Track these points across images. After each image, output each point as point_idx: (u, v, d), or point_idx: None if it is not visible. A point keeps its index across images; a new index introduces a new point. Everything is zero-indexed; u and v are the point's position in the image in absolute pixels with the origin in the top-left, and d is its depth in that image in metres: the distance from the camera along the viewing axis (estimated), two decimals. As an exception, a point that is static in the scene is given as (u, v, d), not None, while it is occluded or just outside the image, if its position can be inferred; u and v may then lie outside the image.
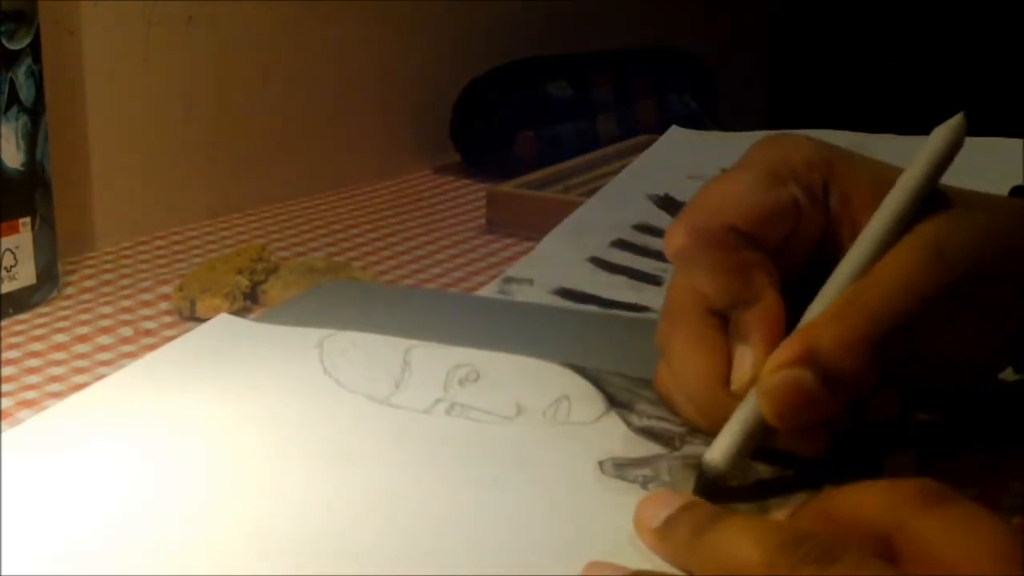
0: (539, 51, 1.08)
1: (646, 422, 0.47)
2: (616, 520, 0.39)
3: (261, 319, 0.59)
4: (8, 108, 0.63)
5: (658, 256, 0.71)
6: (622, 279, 0.68)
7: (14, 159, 0.63)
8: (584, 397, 0.49)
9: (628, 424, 0.47)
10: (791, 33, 1.79)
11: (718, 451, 0.41)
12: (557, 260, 0.70)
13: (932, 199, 0.44)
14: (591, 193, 0.86)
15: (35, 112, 0.64)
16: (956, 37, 1.67)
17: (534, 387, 0.49)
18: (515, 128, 0.99)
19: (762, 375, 0.41)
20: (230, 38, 0.86)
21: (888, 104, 1.67)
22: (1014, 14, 1.61)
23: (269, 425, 0.46)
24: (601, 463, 0.43)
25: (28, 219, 0.65)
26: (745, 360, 0.42)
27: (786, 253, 0.44)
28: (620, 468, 0.43)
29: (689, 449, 0.45)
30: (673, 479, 0.42)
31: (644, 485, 0.42)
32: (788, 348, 0.40)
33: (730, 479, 0.41)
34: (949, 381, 0.46)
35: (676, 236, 0.44)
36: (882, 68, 1.71)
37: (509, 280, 0.67)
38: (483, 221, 0.84)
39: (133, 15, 0.79)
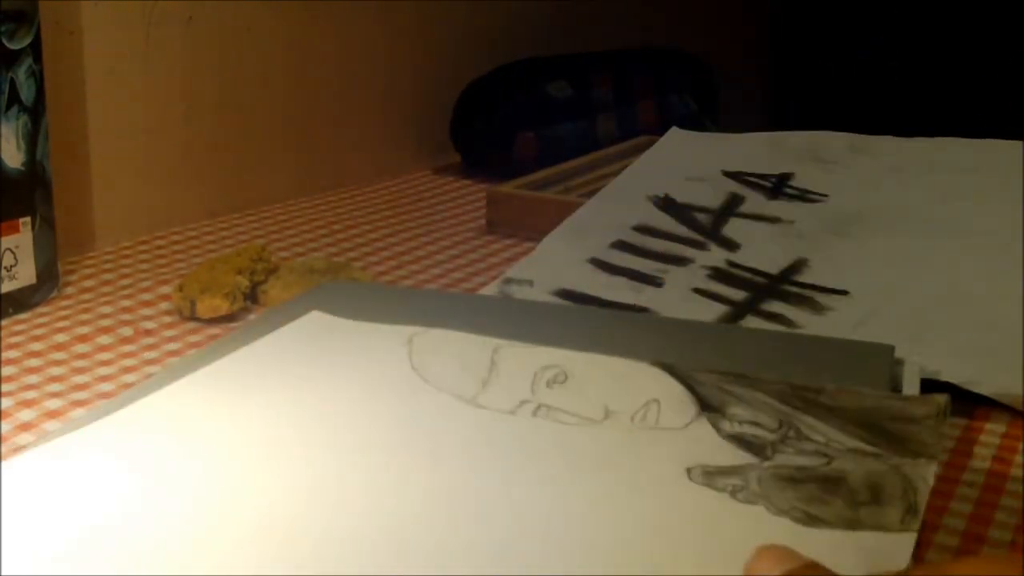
0: (539, 51, 1.08)
1: (737, 428, 0.46)
2: (704, 528, 0.39)
3: (266, 319, 0.59)
4: (8, 108, 0.63)
5: (657, 257, 0.71)
6: (622, 280, 0.68)
7: (14, 159, 0.63)
8: (674, 400, 0.48)
9: (718, 430, 0.45)
10: (791, 33, 1.79)
11: None
12: (557, 261, 0.71)
13: None
14: (591, 194, 0.86)
15: (35, 112, 0.64)
16: (956, 37, 1.67)
17: (623, 389, 0.48)
18: (515, 128, 0.99)
19: None
20: (230, 38, 0.86)
21: (888, 104, 1.67)
22: (1013, 14, 1.61)
23: (355, 422, 0.47)
24: (689, 470, 0.43)
25: (28, 219, 0.65)
26: None
27: None
28: (709, 476, 0.42)
29: (781, 459, 0.44)
30: (763, 489, 0.42)
31: (733, 494, 0.41)
32: None
33: None
34: None
35: None
36: (882, 68, 1.71)
37: (509, 281, 0.67)
38: (483, 221, 0.84)
39: (133, 15, 0.79)
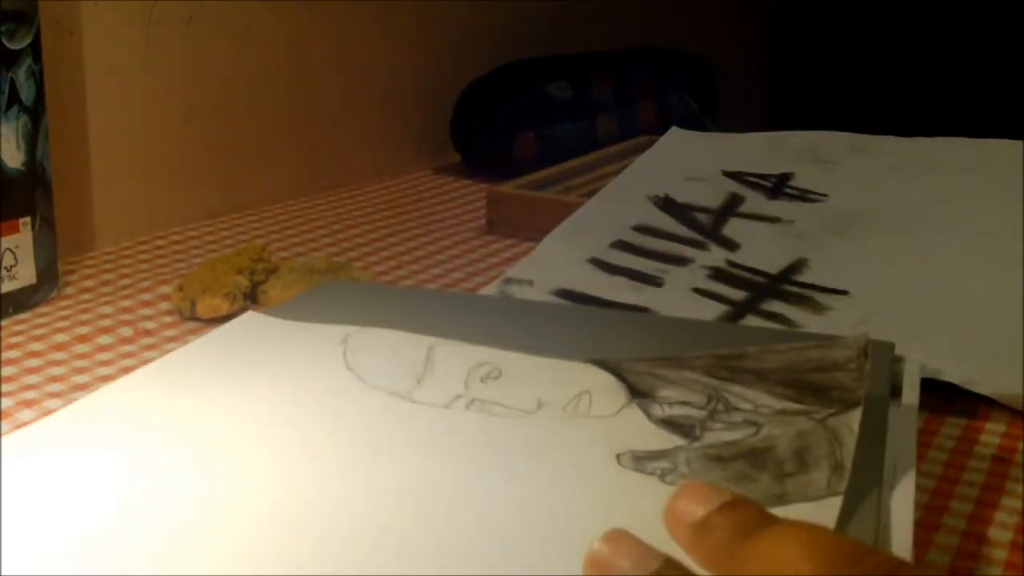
0: (539, 51, 1.08)
1: (667, 411, 0.47)
2: (631, 512, 0.39)
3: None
4: (8, 108, 0.63)
5: (658, 257, 0.71)
6: (622, 280, 0.68)
7: (14, 159, 0.63)
8: (606, 390, 0.49)
9: (649, 415, 0.46)
10: (791, 33, 1.79)
11: None
12: (557, 261, 0.71)
13: None
14: (591, 193, 0.86)
15: (35, 112, 0.64)
16: (956, 37, 1.67)
17: (556, 383, 0.49)
18: (515, 128, 0.99)
19: None
20: (230, 38, 0.86)
21: (888, 104, 1.67)
22: (1013, 14, 1.61)
23: (290, 419, 0.47)
24: (619, 456, 0.43)
25: (28, 219, 0.65)
26: None
27: None
28: (638, 460, 0.43)
29: (709, 437, 0.44)
30: (692, 470, 0.42)
31: (662, 477, 0.42)
32: None
33: None
34: None
35: None
36: (882, 68, 1.71)
37: (509, 281, 0.67)
38: (483, 221, 0.84)
39: (133, 15, 0.79)
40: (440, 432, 0.46)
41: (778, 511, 0.35)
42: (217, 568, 0.37)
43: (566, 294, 0.66)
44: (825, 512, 0.39)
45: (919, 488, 0.44)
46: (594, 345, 0.53)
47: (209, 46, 0.84)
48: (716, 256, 0.71)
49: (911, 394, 0.50)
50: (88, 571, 0.37)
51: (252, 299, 0.66)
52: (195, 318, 0.63)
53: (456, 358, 0.52)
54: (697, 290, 0.67)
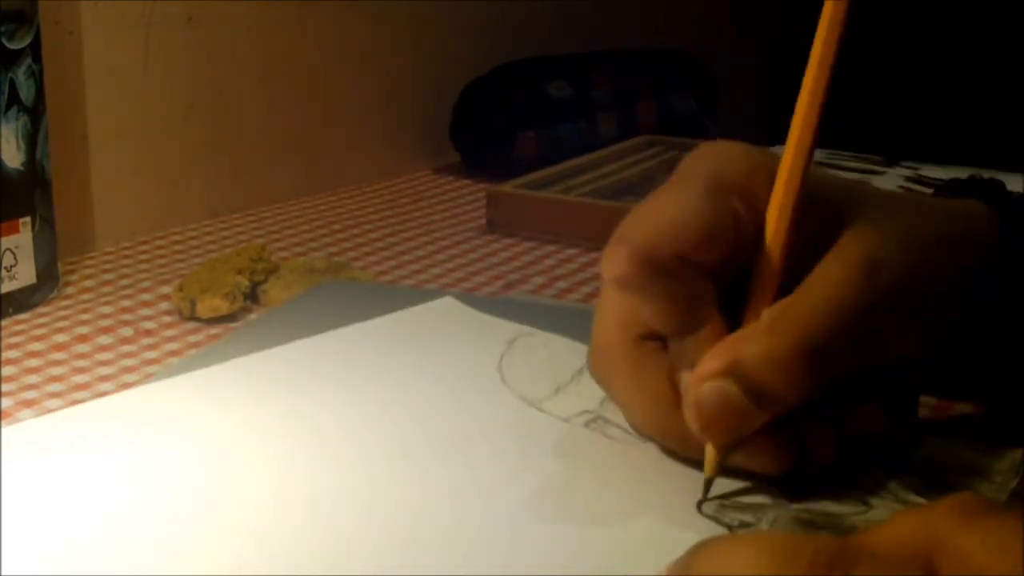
0: (539, 51, 1.08)
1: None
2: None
3: (269, 318, 0.59)
4: (8, 108, 0.63)
5: (851, 170, 0.77)
6: None
7: (14, 159, 0.63)
8: None
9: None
10: (791, 33, 1.79)
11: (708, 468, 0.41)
12: None
13: (861, 205, 0.43)
14: (591, 193, 0.86)
15: (35, 112, 0.64)
16: (956, 37, 1.67)
17: None
18: (515, 128, 0.99)
19: (688, 387, 0.40)
20: (230, 38, 0.86)
21: (888, 104, 1.67)
22: (1014, 14, 1.61)
23: (418, 410, 0.48)
24: (701, 502, 0.41)
25: (28, 219, 0.65)
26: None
27: (728, 265, 0.42)
28: (721, 510, 0.41)
29: (813, 502, 0.41)
30: (771, 530, 0.39)
31: (735, 532, 0.39)
32: (713, 359, 0.40)
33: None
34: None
35: (616, 261, 0.41)
36: (882, 68, 1.71)
37: None
38: (483, 221, 0.84)
39: (133, 15, 0.79)
40: (544, 444, 0.45)
41: None
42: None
43: None
44: None
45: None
46: None
47: (209, 46, 0.84)
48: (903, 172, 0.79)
49: None
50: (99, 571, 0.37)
51: (252, 299, 0.66)
52: (195, 318, 0.63)
53: None
54: (901, 188, 0.74)
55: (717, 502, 0.41)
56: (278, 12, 0.90)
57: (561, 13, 1.21)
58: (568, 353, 0.52)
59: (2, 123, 0.62)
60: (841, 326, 0.40)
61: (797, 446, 0.41)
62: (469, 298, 0.61)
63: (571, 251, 0.78)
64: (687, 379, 0.41)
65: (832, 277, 0.41)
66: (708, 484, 0.41)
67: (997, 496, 0.41)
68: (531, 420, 0.47)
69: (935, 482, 0.42)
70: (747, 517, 0.40)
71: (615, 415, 0.47)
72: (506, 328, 0.55)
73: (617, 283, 0.41)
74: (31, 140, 0.64)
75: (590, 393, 0.48)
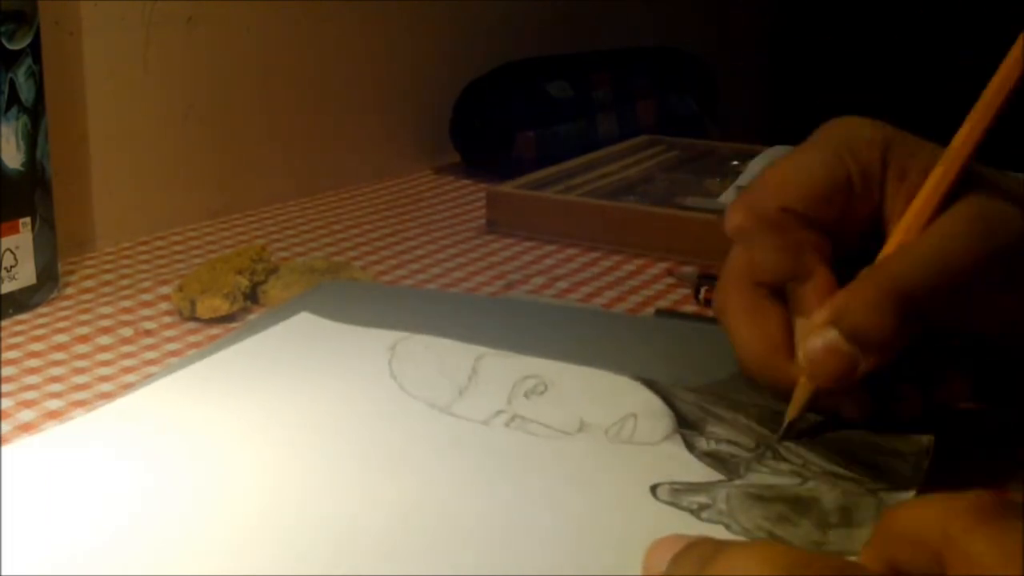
0: (539, 51, 1.08)
1: (713, 446, 0.45)
2: None
3: (269, 318, 0.59)
4: (8, 108, 0.63)
5: None
6: None
7: (14, 159, 0.63)
8: (652, 415, 0.47)
9: (693, 447, 0.45)
10: (791, 33, 1.79)
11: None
12: None
13: (977, 179, 0.45)
14: (591, 193, 0.86)
15: (35, 112, 0.64)
16: (957, 37, 1.67)
17: (601, 403, 0.48)
18: (515, 128, 0.99)
19: (800, 335, 0.44)
20: (230, 38, 0.86)
21: (888, 104, 1.67)
22: (1014, 15, 1.60)
23: (325, 425, 0.47)
24: (655, 488, 0.42)
25: (28, 219, 0.65)
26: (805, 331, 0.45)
27: (843, 227, 0.46)
28: (676, 494, 0.42)
29: (753, 477, 0.43)
30: (730, 508, 0.41)
31: (697, 513, 0.40)
32: (821, 311, 0.44)
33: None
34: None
35: (735, 215, 0.47)
36: (882, 68, 1.71)
37: (741, 188, 0.74)
38: (483, 221, 0.84)
39: (133, 15, 0.79)
40: (474, 450, 0.45)
41: None
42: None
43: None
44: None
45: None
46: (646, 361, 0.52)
47: (209, 46, 0.84)
48: None
49: None
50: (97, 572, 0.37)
51: (252, 299, 0.66)
52: (195, 318, 0.63)
53: (502, 370, 0.51)
54: None
55: (668, 487, 0.42)
56: (278, 12, 0.90)
57: (561, 13, 1.21)
58: (454, 354, 0.52)
59: (2, 123, 0.62)
60: (940, 276, 0.43)
61: (882, 398, 0.45)
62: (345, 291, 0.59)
63: (571, 251, 0.78)
64: (800, 325, 0.45)
65: (941, 229, 0.44)
66: (791, 425, 0.45)
67: (913, 475, 0.43)
68: (451, 427, 0.46)
69: (852, 458, 0.44)
70: (702, 498, 0.41)
71: (529, 411, 0.47)
72: (378, 336, 0.54)
73: (732, 234, 0.47)
74: (31, 140, 0.64)
75: (494, 392, 0.49)
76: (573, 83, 1.04)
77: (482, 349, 0.53)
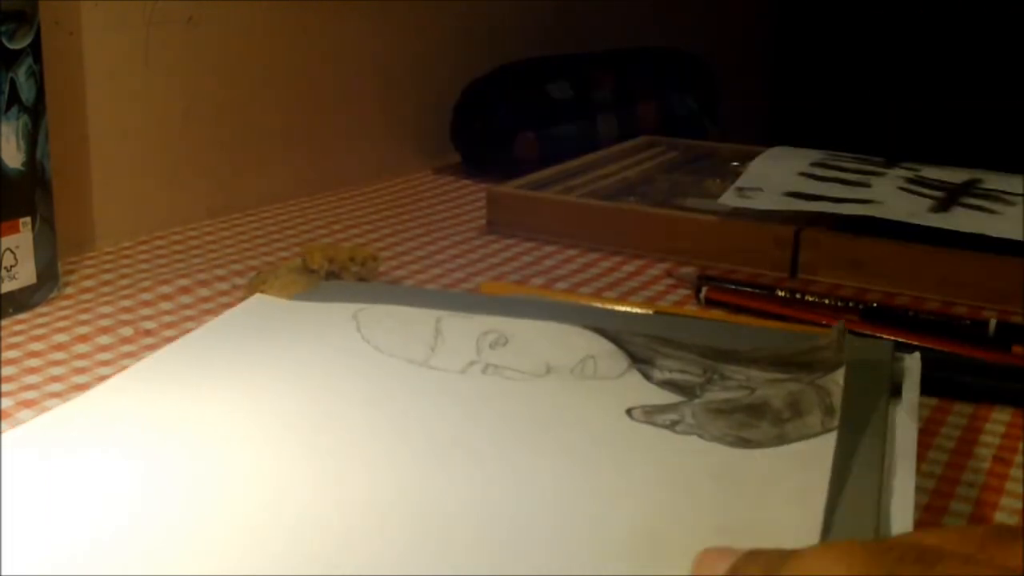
0: (539, 51, 1.08)
1: (668, 375, 0.51)
2: (649, 458, 0.43)
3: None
4: (8, 108, 0.63)
5: (856, 171, 0.84)
6: (835, 185, 0.80)
7: (14, 159, 0.63)
8: (608, 355, 0.52)
9: (650, 378, 0.50)
10: (791, 33, 1.79)
11: None
12: (774, 176, 0.82)
13: None
14: (591, 193, 0.86)
15: (35, 112, 0.64)
16: (957, 37, 1.67)
17: (560, 348, 0.53)
18: (515, 128, 0.99)
19: None
20: (230, 38, 0.86)
21: (888, 104, 1.67)
22: (1015, 15, 1.61)
23: (315, 392, 0.49)
24: (630, 411, 0.47)
25: (28, 219, 0.65)
26: None
27: None
28: (648, 414, 0.47)
29: (709, 395, 0.49)
30: (698, 421, 0.46)
31: (672, 428, 0.46)
32: None
33: None
34: None
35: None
36: (882, 68, 1.71)
37: (741, 190, 0.79)
38: (483, 221, 0.84)
39: (133, 15, 0.79)
40: (462, 396, 0.48)
41: (780, 450, 0.44)
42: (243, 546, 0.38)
43: (796, 195, 0.77)
44: (822, 447, 0.44)
45: (919, 489, 0.44)
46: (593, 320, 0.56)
47: (209, 46, 0.84)
48: (902, 173, 0.84)
49: (911, 394, 0.50)
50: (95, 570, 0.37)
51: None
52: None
53: (463, 328, 0.54)
54: (903, 188, 0.79)
55: (641, 409, 0.47)
56: (278, 12, 0.90)
57: (561, 13, 1.21)
58: (414, 318, 0.55)
59: (2, 123, 0.62)
60: None
61: None
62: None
63: (571, 251, 0.78)
64: None
65: None
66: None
67: (836, 358, 0.49)
68: (434, 378, 0.50)
69: (785, 365, 0.51)
70: (672, 416, 0.47)
71: (498, 359, 0.51)
72: (338, 309, 0.57)
73: None
74: (31, 140, 0.64)
75: (462, 347, 0.52)
76: (573, 84, 1.04)
77: (439, 312, 0.56)
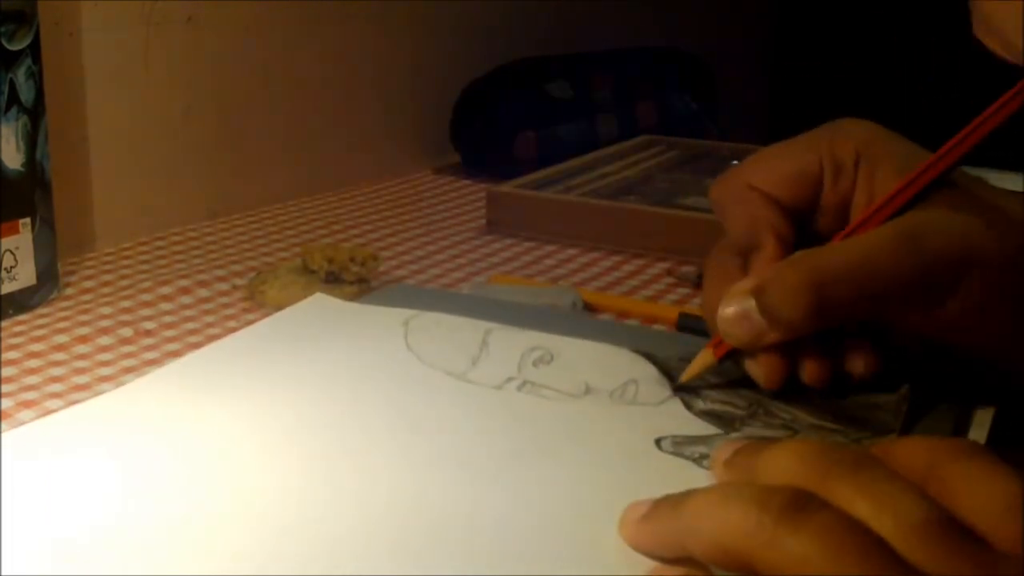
0: (539, 51, 1.08)
1: (710, 406, 0.49)
2: (664, 489, 0.40)
3: (269, 321, 0.59)
4: (8, 108, 0.63)
5: None
6: None
7: (14, 159, 0.63)
8: (651, 381, 0.51)
9: (691, 407, 0.49)
10: (791, 33, 1.79)
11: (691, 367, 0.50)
12: None
13: (947, 193, 0.48)
14: (591, 193, 0.86)
15: (35, 112, 0.64)
16: (957, 37, 1.67)
17: (604, 370, 0.52)
18: (515, 128, 0.99)
19: (723, 297, 0.47)
20: (230, 38, 0.86)
21: (888, 104, 1.67)
22: (1014, 14, 1.60)
23: (350, 395, 0.49)
24: (659, 440, 0.46)
25: (28, 219, 0.65)
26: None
27: (812, 212, 0.50)
28: (678, 445, 0.45)
29: (748, 431, 0.47)
30: None
31: (699, 462, 0.44)
32: (747, 279, 0.47)
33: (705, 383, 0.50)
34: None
35: (715, 189, 0.52)
36: (882, 68, 1.71)
37: None
38: (483, 221, 0.84)
39: (133, 15, 0.79)
40: (491, 411, 0.48)
41: None
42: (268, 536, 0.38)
43: None
44: None
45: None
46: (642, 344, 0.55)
47: (209, 46, 0.84)
48: None
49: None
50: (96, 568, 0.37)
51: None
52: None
53: (511, 342, 0.54)
54: None
55: (671, 439, 0.46)
56: (278, 12, 0.90)
57: (561, 13, 1.21)
58: (464, 328, 0.55)
59: (2, 123, 0.62)
60: (859, 282, 0.45)
61: (791, 367, 0.48)
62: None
63: (571, 251, 0.78)
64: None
65: (872, 239, 0.46)
66: (680, 387, 0.50)
67: (892, 422, 0.47)
68: (468, 391, 0.50)
69: (838, 414, 0.48)
70: (702, 449, 0.45)
71: (538, 377, 0.51)
72: (392, 313, 0.57)
73: (711, 205, 0.52)
74: (31, 140, 0.64)
75: (504, 361, 0.52)
76: (573, 83, 1.04)
77: (490, 324, 0.56)
